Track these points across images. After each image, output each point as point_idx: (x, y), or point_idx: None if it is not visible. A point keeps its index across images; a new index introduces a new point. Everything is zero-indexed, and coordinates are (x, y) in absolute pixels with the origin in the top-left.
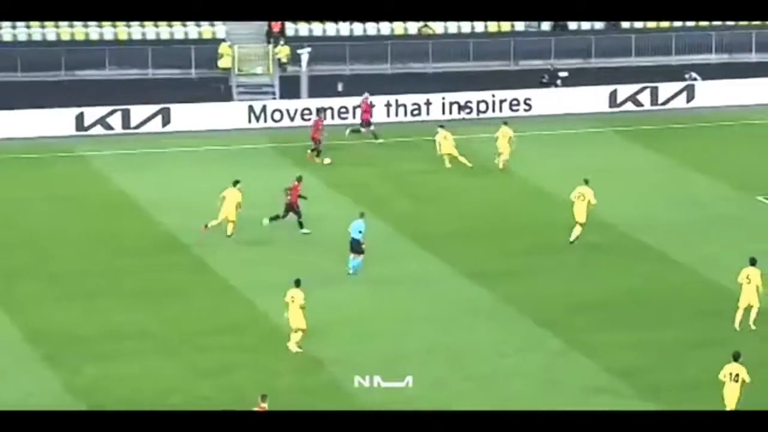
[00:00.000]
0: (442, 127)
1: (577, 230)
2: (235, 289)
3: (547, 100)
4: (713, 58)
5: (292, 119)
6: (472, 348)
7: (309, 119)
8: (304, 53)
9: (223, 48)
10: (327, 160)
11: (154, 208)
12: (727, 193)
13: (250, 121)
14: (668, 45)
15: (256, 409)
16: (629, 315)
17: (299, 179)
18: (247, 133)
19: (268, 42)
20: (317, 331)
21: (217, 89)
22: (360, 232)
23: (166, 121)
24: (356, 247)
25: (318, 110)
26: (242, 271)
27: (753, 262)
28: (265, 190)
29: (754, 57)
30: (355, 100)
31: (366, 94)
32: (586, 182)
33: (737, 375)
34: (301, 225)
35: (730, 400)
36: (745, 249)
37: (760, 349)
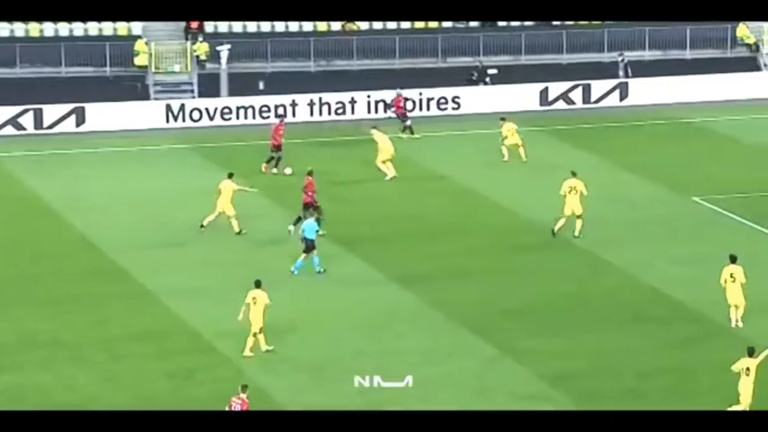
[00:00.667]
0: (375, 128)
1: (578, 224)
2: (152, 294)
3: (476, 99)
4: (647, 54)
5: (211, 118)
6: (401, 355)
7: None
8: (224, 50)
9: (139, 45)
10: (288, 170)
11: (68, 211)
12: (662, 194)
13: (167, 120)
14: (600, 41)
15: (235, 399)
16: (562, 319)
17: (310, 173)
18: (165, 133)
19: (186, 39)
20: (239, 336)
21: (133, 88)
22: (316, 231)
23: (80, 121)
24: (311, 246)
25: (278, 115)
26: (159, 276)
27: (734, 260)
28: (183, 192)
29: (688, 54)
30: (276, 99)
31: (398, 90)
32: (574, 174)
33: (748, 368)
34: (318, 223)
35: (743, 394)
36: (681, 252)
37: (693, 356)
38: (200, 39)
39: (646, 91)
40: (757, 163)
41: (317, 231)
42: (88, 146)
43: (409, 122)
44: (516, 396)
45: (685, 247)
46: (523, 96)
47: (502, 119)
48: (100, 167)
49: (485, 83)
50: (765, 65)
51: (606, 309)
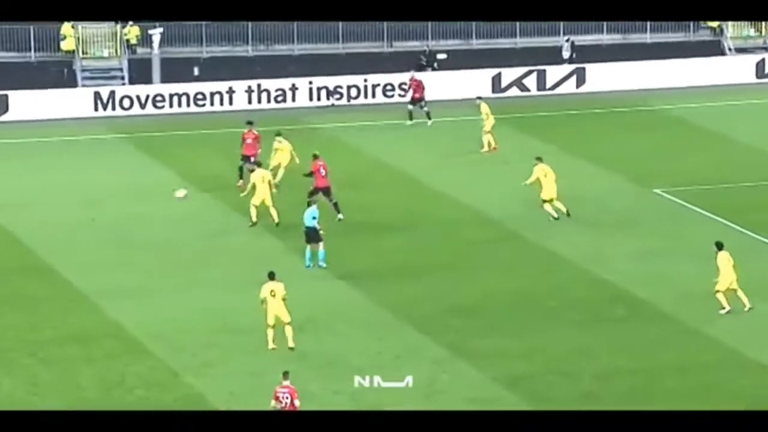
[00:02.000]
0: (279, 135)
1: (556, 206)
2: (83, 295)
3: (425, 85)
4: (605, 38)
5: (143, 107)
6: (344, 357)
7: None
8: (156, 34)
9: (65, 28)
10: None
11: None
12: (622, 186)
13: (96, 108)
14: (556, 25)
15: (280, 389)
16: (516, 318)
17: (315, 156)
18: (94, 122)
19: (116, 22)
20: (173, 338)
21: (59, 74)
22: (314, 218)
23: (2, 110)
24: (313, 236)
25: (248, 122)
26: (90, 275)
27: (720, 247)
28: (114, 185)
29: (649, 38)
30: (212, 86)
31: (412, 72)
32: (540, 159)
33: None
34: (336, 208)
35: None
36: (641, 246)
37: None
38: (130, 22)
39: (604, 76)
40: (720, 152)
41: (315, 218)
42: (12, 136)
43: (426, 108)
44: (468, 400)
45: (646, 242)
46: (475, 82)
47: (479, 98)
48: (25, 159)
49: (433, 69)
50: (729, 49)
51: (562, 307)
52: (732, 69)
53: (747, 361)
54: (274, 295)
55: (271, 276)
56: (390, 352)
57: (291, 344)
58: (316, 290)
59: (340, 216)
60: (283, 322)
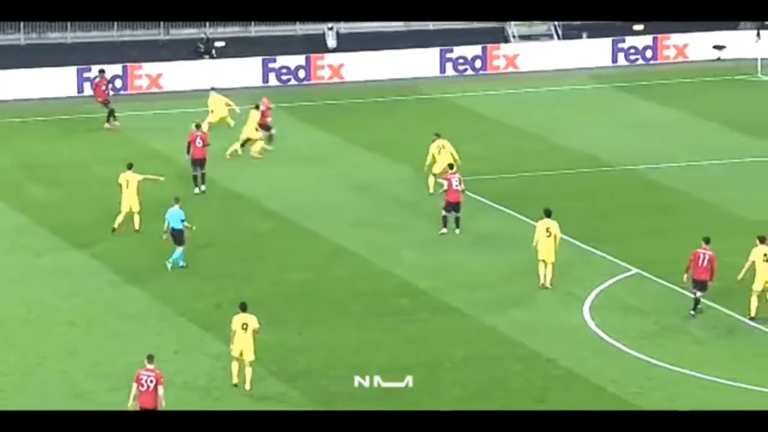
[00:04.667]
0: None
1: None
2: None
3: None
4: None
5: None
6: (123, 353)
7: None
8: None
9: None
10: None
11: None
12: (406, 175)
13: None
14: None
15: (143, 372)
16: (296, 311)
17: (197, 126)
18: None
19: None
20: None
21: None
22: (182, 220)
23: None
24: (179, 238)
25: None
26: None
27: (548, 214)
28: None
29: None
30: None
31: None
32: (438, 135)
33: None
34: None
35: None
36: (425, 237)
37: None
38: None
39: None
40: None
41: (183, 220)
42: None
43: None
44: (246, 396)
45: (429, 233)
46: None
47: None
48: None
49: (211, 57)
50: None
51: (343, 299)
52: None
53: (531, 354)
54: (245, 329)
55: (244, 307)
56: (168, 347)
57: (248, 386)
58: (91, 286)
59: (203, 188)
60: (245, 360)
